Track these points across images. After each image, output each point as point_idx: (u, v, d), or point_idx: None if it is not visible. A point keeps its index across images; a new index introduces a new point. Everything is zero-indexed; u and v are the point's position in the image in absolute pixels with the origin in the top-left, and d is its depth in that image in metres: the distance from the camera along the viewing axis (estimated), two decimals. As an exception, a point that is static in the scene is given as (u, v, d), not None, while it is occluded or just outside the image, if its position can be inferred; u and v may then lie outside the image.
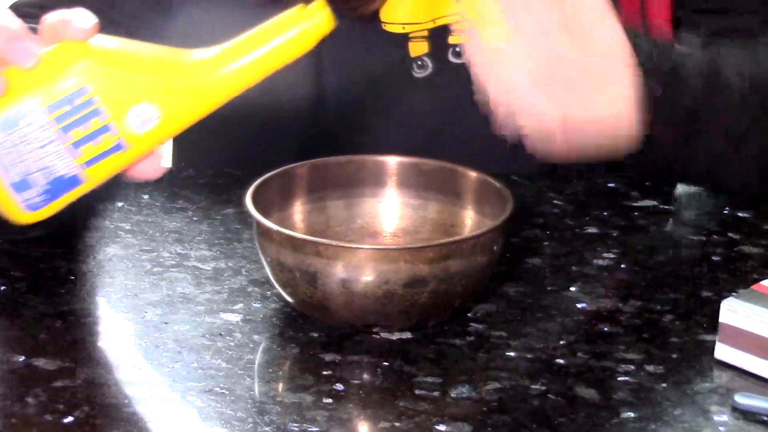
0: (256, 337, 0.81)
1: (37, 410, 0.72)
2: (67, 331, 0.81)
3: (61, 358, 0.77)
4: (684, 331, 0.83)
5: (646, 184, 1.05)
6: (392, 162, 0.91)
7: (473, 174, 0.88)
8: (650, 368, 0.78)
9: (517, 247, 0.94)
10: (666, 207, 1.03)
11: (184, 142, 1.07)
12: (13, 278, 0.87)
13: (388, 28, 1.08)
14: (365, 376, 0.77)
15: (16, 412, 0.71)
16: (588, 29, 0.85)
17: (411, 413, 0.72)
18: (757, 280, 0.81)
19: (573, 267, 0.92)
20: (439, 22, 1.08)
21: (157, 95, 0.73)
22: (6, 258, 0.90)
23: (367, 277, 0.77)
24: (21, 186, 0.73)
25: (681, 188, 1.07)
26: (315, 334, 0.81)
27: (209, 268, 0.90)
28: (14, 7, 1.08)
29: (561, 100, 0.85)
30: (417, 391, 0.75)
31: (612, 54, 0.85)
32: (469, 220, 0.89)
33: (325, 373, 0.76)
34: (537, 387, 0.75)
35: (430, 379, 0.76)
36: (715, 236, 0.97)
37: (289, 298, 0.83)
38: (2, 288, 0.86)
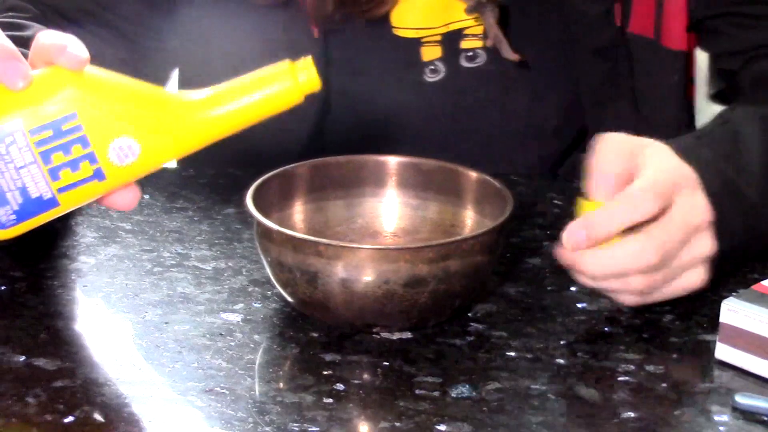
0: (256, 337, 0.81)
1: (37, 410, 0.72)
2: (67, 331, 0.82)
3: (61, 358, 0.77)
4: (684, 331, 0.83)
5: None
6: (392, 162, 0.91)
7: (473, 174, 0.88)
8: (650, 368, 0.78)
9: (517, 247, 0.94)
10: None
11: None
12: (13, 278, 0.87)
13: (401, 33, 1.08)
14: (365, 376, 0.77)
15: (16, 412, 0.71)
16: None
17: (411, 413, 0.72)
18: (757, 280, 0.81)
19: (573, 267, 0.92)
20: (452, 27, 1.08)
21: (141, 131, 0.74)
22: (6, 258, 0.90)
23: (367, 277, 0.77)
24: None
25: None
26: (315, 334, 0.81)
27: (209, 268, 0.90)
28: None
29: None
30: (417, 391, 0.75)
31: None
32: (469, 220, 0.89)
33: (325, 373, 0.76)
34: (537, 387, 0.75)
35: (430, 379, 0.76)
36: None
37: (289, 298, 0.83)
38: (2, 288, 0.86)
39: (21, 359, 0.77)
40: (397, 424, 0.71)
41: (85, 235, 0.95)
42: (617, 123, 1.02)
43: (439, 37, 1.08)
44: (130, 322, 0.83)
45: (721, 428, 0.72)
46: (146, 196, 1.01)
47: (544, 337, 0.81)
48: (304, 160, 0.90)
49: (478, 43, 1.08)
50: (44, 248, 0.92)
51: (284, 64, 0.76)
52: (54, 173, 0.74)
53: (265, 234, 0.81)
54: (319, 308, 0.80)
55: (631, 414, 0.73)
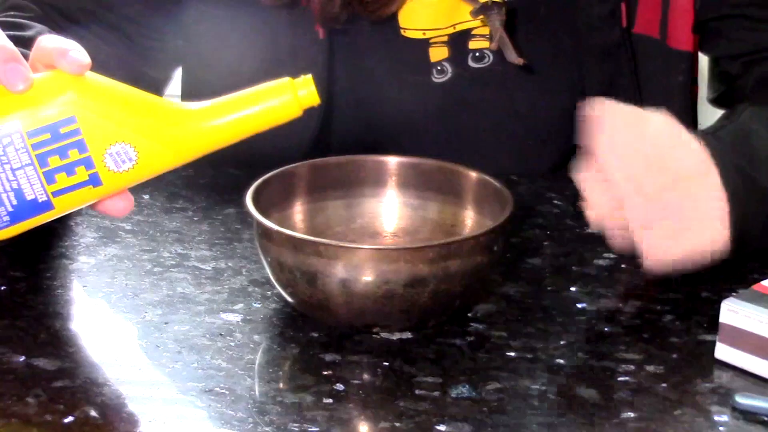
0: (256, 337, 0.81)
1: (37, 410, 0.72)
2: (67, 331, 0.82)
3: (61, 358, 0.77)
4: (684, 331, 0.83)
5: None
6: (392, 162, 0.91)
7: (473, 174, 0.88)
8: (650, 368, 0.78)
9: (517, 247, 0.94)
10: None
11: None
12: (13, 278, 0.87)
13: (409, 34, 1.08)
14: (365, 376, 0.77)
15: (16, 412, 0.71)
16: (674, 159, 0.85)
17: (411, 413, 0.72)
18: (757, 280, 0.81)
19: (573, 267, 0.92)
20: (459, 28, 1.08)
21: (139, 138, 0.75)
22: (6, 258, 0.90)
23: (367, 277, 0.77)
24: None
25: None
26: (315, 334, 0.81)
27: (209, 268, 0.90)
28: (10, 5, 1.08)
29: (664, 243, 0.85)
30: (417, 391, 0.75)
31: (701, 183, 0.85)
32: (469, 220, 0.89)
33: (325, 373, 0.76)
34: (537, 387, 0.75)
35: (430, 379, 0.76)
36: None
37: (289, 298, 0.83)
38: (2, 288, 0.86)
39: (21, 359, 0.77)
40: (397, 424, 0.71)
41: (84, 235, 0.95)
42: None
43: (446, 38, 1.08)
44: (130, 322, 0.83)
45: (721, 428, 0.72)
46: (146, 196, 1.01)
47: (544, 337, 0.81)
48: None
49: (486, 44, 1.08)
50: (44, 248, 0.92)
51: (284, 80, 0.77)
52: (50, 176, 0.74)
53: (265, 234, 0.81)
54: (319, 308, 0.80)
55: (631, 414, 0.73)
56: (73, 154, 0.74)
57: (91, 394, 0.73)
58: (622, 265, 0.92)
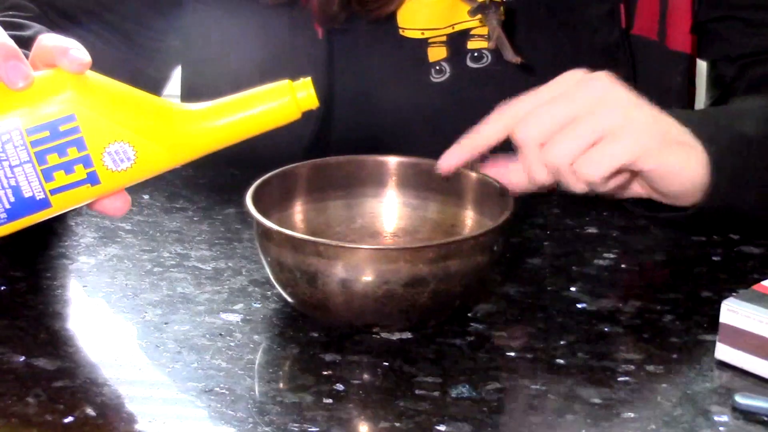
0: (256, 337, 0.81)
1: (37, 410, 0.72)
2: (67, 331, 0.82)
3: (61, 358, 0.77)
4: (684, 331, 0.83)
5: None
6: (392, 162, 0.91)
7: (473, 174, 0.88)
8: (650, 368, 0.78)
9: (517, 247, 0.94)
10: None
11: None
12: (13, 278, 0.87)
13: (407, 33, 1.08)
14: (365, 376, 0.77)
15: (16, 412, 0.71)
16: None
17: (411, 413, 0.72)
18: (757, 280, 0.81)
19: (573, 267, 0.92)
20: (458, 28, 1.08)
21: (138, 137, 0.75)
22: (6, 258, 0.90)
23: (367, 277, 0.77)
24: None
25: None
26: (315, 334, 0.81)
27: (209, 268, 0.90)
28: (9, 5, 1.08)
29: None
30: (417, 391, 0.75)
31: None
32: (469, 220, 0.89)
33: (325, 373, 0.76)
34: (537, 387, 0.75)
35: (430, 379, 0.76)
36: (715, 236, 0.97)
37: (289, 298, 0.83)
38: (2, 288, 0.86)
39: (21, 359, 0.77)
40: (397, 424, 0.71)
41: (84, 235, 0.95)
42: None
43: (444, 38, 1.08)
44: (130, 322, 0.83)
45: (721, 428, 0.72)
46: (146, 196, 1.01)
47: (544, 337, 0.81)
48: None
49: (484, 44, 1.08)
50: (44, 248, 0.92)
51: (284, 82, 0.77)
52: (48, 174, 0.74)
53: (265, 234, 0.81)
54: (319, 308, 0.80)
55: (631, 414, 0.73)
56: (72, 152, 0.74)
57: (90, 394, 0.73)
58: (622, 265, 0.92)
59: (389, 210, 0.91)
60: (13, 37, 0.77)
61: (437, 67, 1.08)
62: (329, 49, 1.07)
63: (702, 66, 1.15)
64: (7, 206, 0.74)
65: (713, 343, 0.79)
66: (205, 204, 1.01)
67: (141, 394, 0.74)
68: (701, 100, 1.18)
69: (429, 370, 0.77)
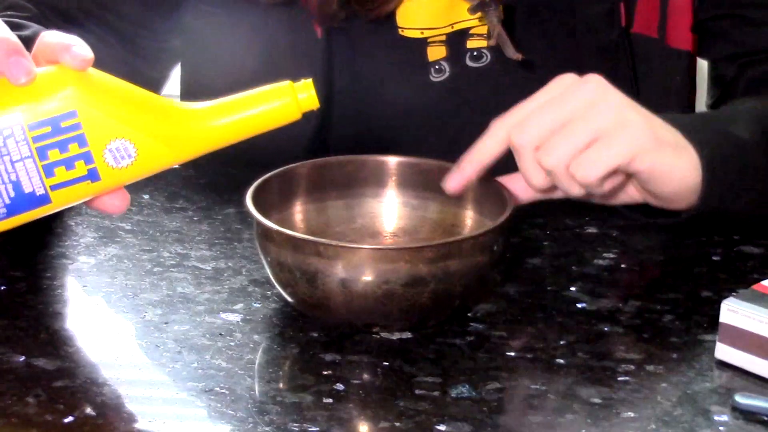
0: (256, 337, 0.81)
1: (37, 410, 0.72)
2: (67, 331, 0.82)
3: (61, 358, 0.77)
4: (684, 331, 0.83)
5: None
6: (392, 162, 0.91)
7: (473, 174, 0.88)
8: (650, 368, 0.78)
9: (517, 247, 0.94)
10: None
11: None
12: (13, 278, 0.87)
13: (407, 33, 1.08)
14: (365, 376, 0.77)
15: (16, 412, 0.71)
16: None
17: (411, 413, 0.72)
18: (757, 280, 0.81)
19: (573, 267, 0.92)
20: (457, 27, 1.08)
21: (139, 135, 0.75)
22: (6, 258, 0.90)
23: (367, 277, 0.77)
24: None
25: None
26: (315, 334, 0.81)
27: (209, 268, 0.90)
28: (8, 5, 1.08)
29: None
30: (417, 391, 0.75)
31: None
32: (469, 220, 0.89)
33: (325, 373, 0.76)
34: (537, 387, 0.75)
35: (430, 379, 0.76)
36: (715, 236, 0.97)
37: (289, 298, 0.83)
38: (2, 288, 0.86)
39: (21, 359, 0.77)
40: (397, 424, 0.71)
41: (84, 235, 0.95)
42: None
43: (444, 37, 1.08)
44: (130, 322, 0.83)
45: (721, 428, 0.72)
46: (146, 196, 1.01)
47: (544, 337, 0.81)
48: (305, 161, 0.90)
49: (483, 43, 1.08)
50: (44, 248, 0.92)
51: (285, 83, 0.77)
52: (49, 170, 0.74)
53: (265, 234, 0.81)
54: (319, 308, 0.80)
55: (631, 414, 0.73)
56: (73, 149, 0.74)
57: (90, 394, 0.73)
58: (622, 265, 0.92)
59: (389, 210, 0.91)
60: None
61: (437, 67, 1.08)
62: (328, 49, 1.07)
63: (703, 65, 1.15)
64: (8, 201, 0.74)
65: (713, 343, 0.79)
66: (205, 204, 1.01)
67: (141, 394, 0.74)
68: (702, 99, 1.18)
69: (429, 370, 0.77)
